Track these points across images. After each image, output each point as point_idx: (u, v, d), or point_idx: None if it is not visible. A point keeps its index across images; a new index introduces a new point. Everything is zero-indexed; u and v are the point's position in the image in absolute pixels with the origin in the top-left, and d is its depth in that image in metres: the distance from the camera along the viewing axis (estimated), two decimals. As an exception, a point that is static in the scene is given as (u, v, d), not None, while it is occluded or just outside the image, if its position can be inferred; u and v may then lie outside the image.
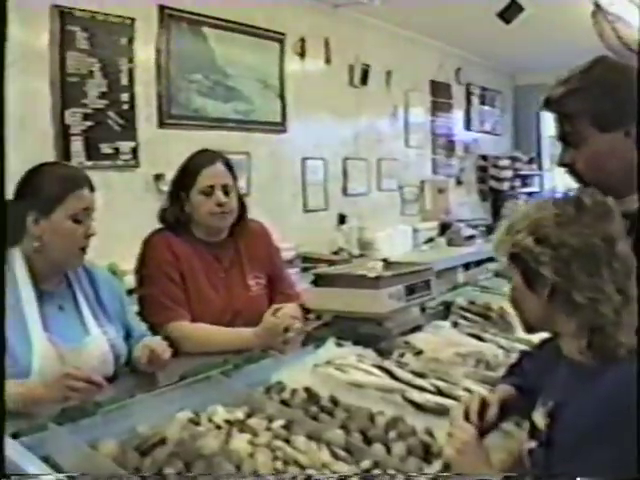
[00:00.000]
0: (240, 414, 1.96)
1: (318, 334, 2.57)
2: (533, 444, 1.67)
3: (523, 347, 2.59)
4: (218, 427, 1.89)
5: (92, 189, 2.24)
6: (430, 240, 7.65)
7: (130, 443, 1.76)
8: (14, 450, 1.58)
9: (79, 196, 2.17)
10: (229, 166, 2.74)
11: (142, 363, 2.22)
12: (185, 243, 2.70)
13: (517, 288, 1.67)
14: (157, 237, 2.71)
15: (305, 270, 5.13)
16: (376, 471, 1.74)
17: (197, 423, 1.90)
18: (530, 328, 1.73)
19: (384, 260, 3.03)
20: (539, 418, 1.66)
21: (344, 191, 6.79)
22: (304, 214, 6.25)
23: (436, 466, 1.76)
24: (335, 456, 1.79)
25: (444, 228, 7.98)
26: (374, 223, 6.82)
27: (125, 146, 4.63)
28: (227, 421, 1.91)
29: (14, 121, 3.91)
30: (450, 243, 7.73)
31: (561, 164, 1.98)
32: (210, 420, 1.93)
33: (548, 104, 1.94)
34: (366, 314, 2.64)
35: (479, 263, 7.17)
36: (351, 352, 2.45)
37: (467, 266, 7.20)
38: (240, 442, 1.79)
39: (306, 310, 2.75)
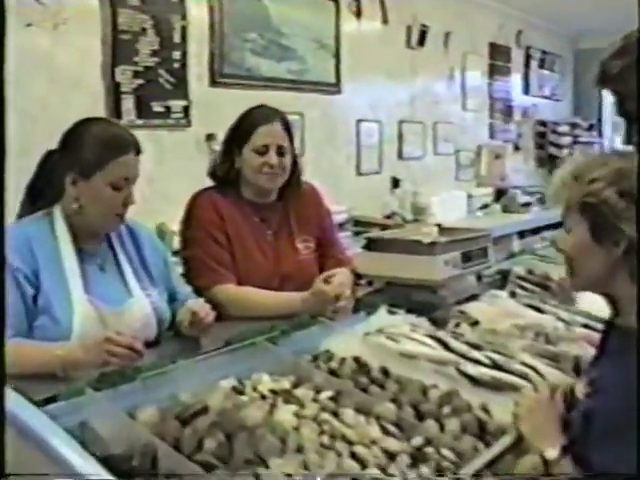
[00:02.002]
0: (286, 383, 1.86)
1: (370, 301, 2.45)
2: (574, 413, 1.55)
3: (584, 320, 2.44)
4: (263, 397, 1.79)
5: (138, 152, 2.11)
6: (485, 206, 7.44)
7: (170, 411, 1.67)
8: (38, 421, 1.47)
9: (121, 163, 2.05)
10: (287, 125, 2.59)
11: (184, 327, 2.13)
12: (232, 204, 2.59)
13: (581, 241, 1.52)
14: (202, 197, 2.59)
15: (357, 234, 5.00)
16: (428, 449, 1.62)
17: (241, 392, 1.81)
18: (583, 287, 1.60)
19: (439, 226, 2.88)
20: (580, 387, 1.56)
21: (399, 154, 6.62)
22: (357, 177, 6.10)
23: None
24: (385, 431, 1.67)
25: (499, 194, 7.74)
26: (428, 188, 6.63)
27: (176, 105, 4.53)
28: (272, 391, 1.81)
29: (66, 79, 3.84)
30: (505, 210, 7.50)
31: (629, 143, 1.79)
32: (254, 389, 1.83)
33: (605, 81, 1.75)
34: (420, 281, 2.51)
35: (535, 231, 6.96)
36: (404, 321, 2.33)
37: (522, 234, 6.98)
38: (285, 414, 1.68)
39: (357, 275, 2.62)
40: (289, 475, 1.41)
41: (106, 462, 1.45)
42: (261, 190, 2.61)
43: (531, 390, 1.64)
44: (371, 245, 2.63)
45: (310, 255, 2.67)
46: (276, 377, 1.90)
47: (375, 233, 2.93)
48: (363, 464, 1.55)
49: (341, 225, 5.17)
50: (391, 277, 2.58)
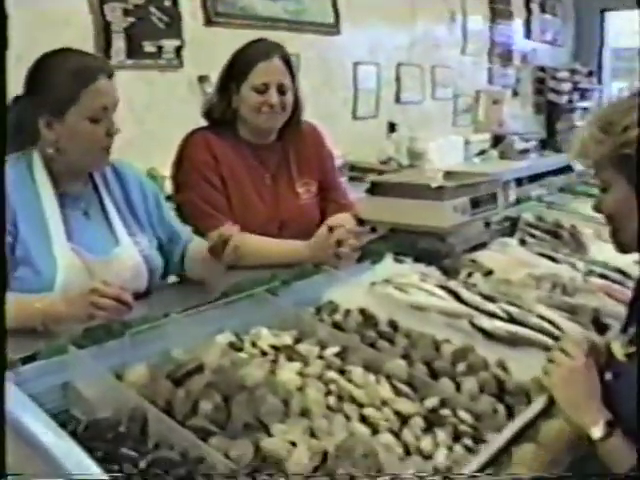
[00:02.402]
0: (288, 338, 1.69)
1: (374, 249, 2.27)
2: (609, 376, 1.41)
3: (601, 270, 2.28)
4: (263, 353, 1.63)
5: (110, 75, 1.88)
6: (482, 152, 7.22)
7: (162, 370, 1.51)
8: (15, 400, 1.27)
9: (94, 91, 1.82)
10: (287, 61, 2.38)
11: (204, 258, 1.98)
12: (227, 144, 2.38)
13: (622, 197, 1.35)
14: (195, 137, 2.38)
15: (352, 179, 4.81)
16: (444, 411, 1.46)
17: (239, 348, 1.64)
18: (630, 247, 1.43)
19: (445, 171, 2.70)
20: (617, 347, 1.42)
21: (396, 99, 6.38)
22: (353, 121, 5.88)
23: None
24: (396, 392, 1.51)
25: (497, 141, 7.52)
26: (425, 133, 6.41)
27: (169, 45, 4.28)
28: (273, 346, 1.64)
29: (54, 18, 3.60)
30: (503, 156, 7.28)
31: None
32: (254, 345, 1.66)
33: None
34: (427, 228, 2.34)
35: (532, 179, 6.77)
36: (412, 270, 2.16)
37: (519, 182, 6.79)
38: (288, 372, 1.52)
39: (360, 221, 2.44)
40: (293, 443, 1.24)
41: (91, 428, 1.30)
42: (260, 130, 2.41)
43: (559, 351, 1.45)
44: (374, 189, 2.45)
45: (311, 200, 2.48)
46: (276, 331, 1.74)
47: (380, 176, 2.74)
48: (374, 428, 1.39)
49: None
50: (396, 223, 2.40)
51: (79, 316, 1.59)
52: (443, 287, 1.99)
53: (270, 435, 1.28)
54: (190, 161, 2.33)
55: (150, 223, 2.06)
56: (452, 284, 2.02)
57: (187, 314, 1.68)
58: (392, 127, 6.27)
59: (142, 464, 1.16)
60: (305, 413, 1.38)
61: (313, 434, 1.30)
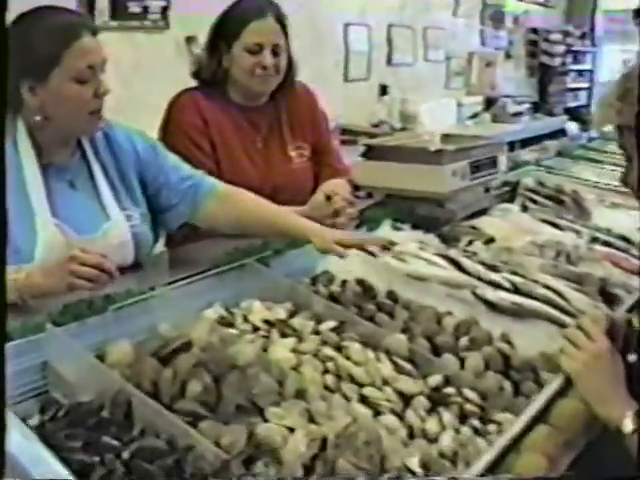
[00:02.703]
0: (282, 312, 1.59)
1: (371, 215, 2.16)
2: (632, 357, 1.33)
3: (605, 237, 2.18)
4: (255, 329, 1.52)
5: (94, 32, 1.72)
6: (474, 115, 7.09)
7: (148, 347, 1.40)
8: None
9: (78, 50, 1.66)
10: (281, 20, 2.24)
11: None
12: (217, 106, 2.25)
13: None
14: (184, 98, 2.25)
15: (344, 143, 4.67)
16: (449, 389, 1.36)
17: (230, 323, 1.53)
18: None
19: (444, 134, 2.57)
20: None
21: (388, 61, 6.22)
22: (344, 84, 5.73)
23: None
24: (398, 369, 1.41)
25: (489, 104, 7.39)
26: (417, 96, 6.27)
27: (155, 5, 4.12)
28: (266, 321, 1.53)
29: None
30: (495, 119, 7.16)
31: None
32: (245, 319, 1.55)
33: None
34: (425, 193, 2.22)
35: (524, 143, 6.64)
36: (410, 237, 2.04)
37: (512, 145, 6.66)
38: (282, 349, 1.42)
39: (354, 187, 2.33)
40: (290, 429, 1.14)
41: (72, 413, 1.19)
42: (252, 93, 2.27)
43: (577, 330, 1.35)
44: (370, 153, 2.32)
45: (304, 164, 2.35)
46: (270, 304, 1.63)
47: (375, 140, 2.61)
48: (375, 410, 1.29)
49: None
50: (393, 189, 2.29)
51: (58, 287, 1.47)
52: (443, 256, 1.88)
53: (265, 419, 1.18)
54: (178, 124, 2.20)
55: (147, 191, 1.91)
56: (452, 252, 1.92)
57: (174, 287, 1.57)
58: (384, 90, 6.13)
59: (125, 454, 1.05)
60: (301, 394, 1.28)
61: (311, 418, 1.19)
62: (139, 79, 3.93)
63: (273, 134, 2.32)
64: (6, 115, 0.99)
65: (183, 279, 1.61)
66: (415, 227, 2.13)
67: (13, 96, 1.65)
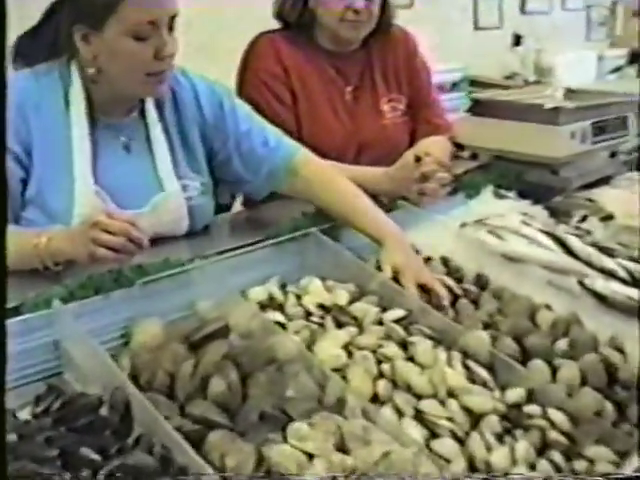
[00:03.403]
0: (344, 294, 1.34)
1: (471, 180, 1.86)
2: None
3: None
4: (308, 314, 1.28)
5: None
6: (617, 69, 6.45)
7: (181, 329, 1.20)
8: None
9: (137, 2, 1.38)
10: None
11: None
12: (301, 52, 1.98)
13: None
14: (262, 42, 1.99)
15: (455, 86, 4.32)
16: (531, 408, 1.08)
17: (280, 306, 1.30)
18: None
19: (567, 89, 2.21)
20: None
21: (522, 8, 5.73)
22: (474, 32, 5.32)
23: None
24: (471, 377, 1.14)
25: (635, 57, 6.71)
26: (554, 46, 5.75)
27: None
28: (321, 306, 1.29)
29: None
30: (641, 75, 6.51)
31: None
32: (298, 300, 1.31)
33: None
34: (537, 157, 1.90)
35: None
36: (514, 208, 1.75)
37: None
38: (331, 344, 1.17)
39: (458, 146, 2.02)
40: (310, 455, 0.90)
41: (68, 407, 1.00)
42: (340, 40, 1.99)
43: None
44: (478, 109, 2.01)
45: (398, 119, 2.05)
46: (332, 283, 1.38)
47: (483, 94, 2.28)
48: (432, 431, 1.03)
49: (454, 85, 4.50)
50: (501, 150, 1.97)
51: (81, 255, 1.28)
52: (549, 233, 1.58)
53: (284, 437, 0.94)
54: (254, 72, 1.95)
55: (213, 158, 1.64)
56: (561, 229, 1.61)
57: (222, 258, 1.34)
58: (517, 39, 5.67)
59: (101, 474, 0.85)
60: (342, 404, 1.03)
61: (342, 439, 0.94)
62: (202, 20, 3.42)
63: (364, 84, 2.03)
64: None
65: (234, 249, 1.39)
66: (522, 196, 1.82)
67: (66, 42, 1.45)
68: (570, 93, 2.15)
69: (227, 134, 1.59)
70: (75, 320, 1.14)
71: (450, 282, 1.40)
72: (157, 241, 1.47)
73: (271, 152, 1.59)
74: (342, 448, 0.93)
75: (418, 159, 1.67)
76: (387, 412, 1.04)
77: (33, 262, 1.29)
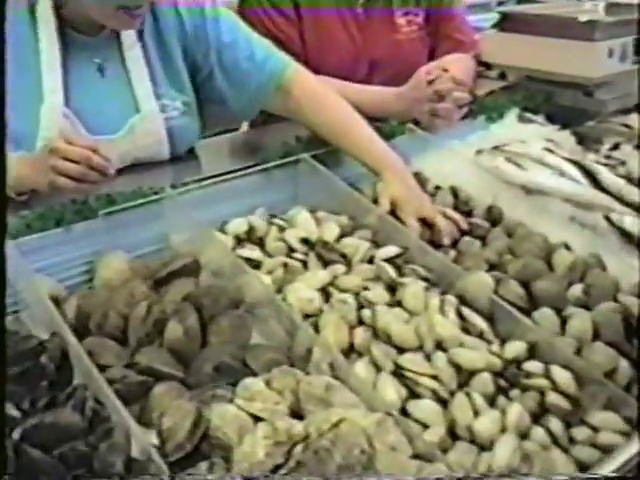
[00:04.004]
0: (333, 227, 1.19)
1: (495, 102, 1.68)
2: None
3: None
4: (291, 250, 1.15)
5: None
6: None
7: (151, 265, 1.08)
8: None
9: None
10: None
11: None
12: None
13: None
14: None
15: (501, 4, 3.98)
16: (532, 364, 0.94)
17: (259, 240, 1.17)
18: None
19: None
20: None
21: None
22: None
23: None
24: (466, 327, 1.00)
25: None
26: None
27: None
28: (305, 241, 1.15)
29: None
30: None
31: None
32: (281, 233, 1.18)
33: None
34: (570, 77, 1.70)
35: None
36: (539, 134, 1.57)
37: None
38: (305, 287, 1.03)
39: (484, 65, 1.83)
40: (257, 418, 0.77)
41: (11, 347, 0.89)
42: None
43: None
44: (507, 24, 1.80)
45: (414, 34, 1.83)
46: (324, 214, 1.24)
47: (513, 7, 2.06)
48: (412, 390, 0.89)
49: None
50: (530, 69, 1.78)
51: (40, 184, 1.15)
52: (575, 162, 1.41)
53: (234, 396, 0.82)
54: None
55: (196, 75, 1.47)
56: (590, 159, 1.43)
57: (197, 187, 1.21)
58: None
59: (16, 433, 0.74)
60: (309, 355, 0.90)
61: (297, 401, 0.81)
62: None
63: (376, -4, 1.82)
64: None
65: (216, 176, 1.25)
66: (550, 120, 1.64)
67: None
68: (613, 7, 1.91)
69: (208, 45, 1.41)
70: (25, 256, 1.02)
71: (455, 215, 1.25)
72: (137, 168, 1.35)
73: (257, 67, 1.41)
74: (297, 411, 0.80)
75: (431, 77, 1.50)
76: (361, 367, 0.91)
77: None
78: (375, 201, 1.25)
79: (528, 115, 1.66)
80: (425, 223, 1.21)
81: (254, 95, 1.43)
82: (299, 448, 0.69)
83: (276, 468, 0.70)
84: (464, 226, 1.23)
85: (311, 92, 1.41)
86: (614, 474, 0.74)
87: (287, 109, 1.43)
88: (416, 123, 1.53)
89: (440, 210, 1.24)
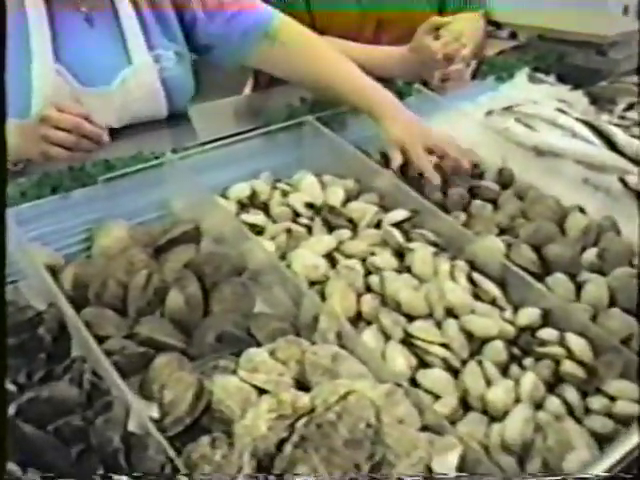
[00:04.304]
0: (339, 192, 1.15)
1: (504, 62, 1.63)
2: None
3: None
4: (296, 214, 1.11)
5: None
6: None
7: (146, 232, 1.04)
8: None
9: None
10: None
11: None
12: None
13: None
14: None
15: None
16: (546, 332, 0.90)
17: (263, 204, 1.13)
18: None
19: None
20: None
21: None
22: None
23: None
24: (477, 293, 0.96)
25: None
26: None
27: None
28: (310, 206, 1.11)
29: None
30: None
31: None
32: (285, 198, 1.14)
33: None
34: (583, 35, 1.64)
35: None
36: (550, 94, 1.52)
37: None
38: (310, 253, 1.00)
39: (493, 24, 1.77)
40: (263, 390, 0.74)
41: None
42: None
43: None
44: (518, -20, 1.74)
45: None
46: (330, 178, 1.20)
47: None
48: (422, 360, 0.86)
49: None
50: (542, 28, 1.72)
51: (33, 153, 1.11)
52: (588, 123, 1.35)
53: (237, 367, 0.79)
54: None
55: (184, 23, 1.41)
56: (603, 120, 1.38)
57: (199, 151, 1.16)
58: None
59: (11, 408, 0.70)
60: (315, 324, 0.86)
61: (303, 372, 0.78)
62: None
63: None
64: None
65: (218, 140, 1.20)
66: (562, 80, 1.58)
67: None
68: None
69: None
70: (21, 225, 0.99)
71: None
72: (136, 132, 1.30)
73: (243, 13, 1.36)
74: (303, 382, 0.77)
75: (436, 34, 1.44)
76: (369, 336, 0.87)
77: None
78: (382, 163, 1.20)
79: (539, 75, 1.60)
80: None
81: (239, 41, 1.36)
82: (304, 421, 0.66)
83: (280, 442, 0.67)
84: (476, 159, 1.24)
85: (297, 38, 1.36)
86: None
87: (273, 58, 1.37)
88: (424, 83, 1.47)
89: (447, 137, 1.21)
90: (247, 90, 1.84)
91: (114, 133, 1.20)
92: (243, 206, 1.13)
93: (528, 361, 0.88)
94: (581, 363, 0.86)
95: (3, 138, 0.75)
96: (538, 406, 0.81)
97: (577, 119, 1.37)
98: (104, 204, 1.08)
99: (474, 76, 1.52)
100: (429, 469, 0.70)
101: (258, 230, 1.05)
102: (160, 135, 1.31)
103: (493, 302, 0.95)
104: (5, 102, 0.76)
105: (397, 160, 1.17)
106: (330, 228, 1.08)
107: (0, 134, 0.69)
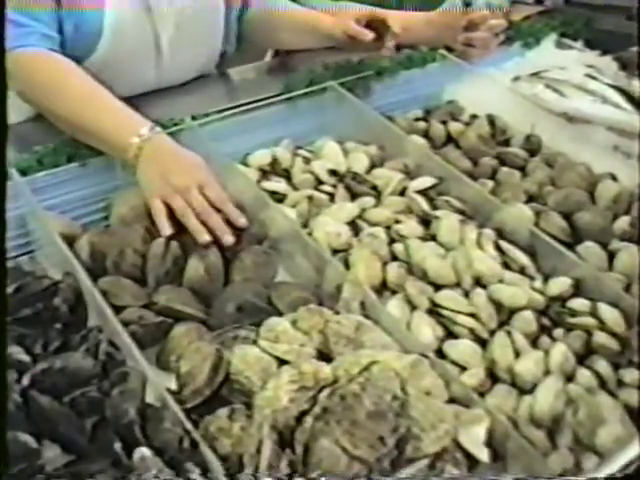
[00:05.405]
0: (363, 158, 1.11)
1: (531, 27, 1.56)
2: None
3: None
4: (318, 182, 1.06)
5: None
6: None
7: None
8: None
9: None
10: None
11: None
12: None
13: None
14: None
15: None
16: (578, 302, 0.86)
17: (284, 171, 1.09)
18: None
19: None
20: None
21: None
22: None
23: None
24: (506, 262, 0.92)
25: None
26: None
27: None
28: (333, 172, 1.07)
29: None
30: None
31: None
32: (307, 165, 1.09)
33: None
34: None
35: None
36: (578, 60, 1.45)
37: None
38: (332, 220, 0.95)
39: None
40: (283, 361, 0.71)
41: (22, 291, 0.83)
42: None
43: None
44: (545, -57, 1.66)
45: None
46: (353, 145, 1.16)
47: None
48: (448, 330, 0.82)
49: None
50: (570, -8, 1.64)
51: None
52: (619, 89, 1.29)
53: (258, 338, 0.75)
54: None
55: None
56: (634, 85, 1.31)
57: (218, 118, 1.12)
58: None
59: (25, 379, 0.67)
60: (338, 293, 0.82)
61: (326, 343, 0.74)
62: None
63: None
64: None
65: (238, 107, 1.16)
66: (590, 45, 1.51)
67: None
68: None
69: None
70: (37, 193, 0.95)
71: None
72: (155, 97, 1.26)
73: None
74: (325, 353, 0.73)
75: (468, 4, 1.38)
76: (394, 305, 0.83)
77: None
78: (408, 131, 1.16)
79: (566, 41, 1.53)
80: None
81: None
82: (326, 393, 0.62)
83: (301, 415, 0.63)
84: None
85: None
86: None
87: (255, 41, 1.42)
88: (449, 50, 1.42)
89: None
90: (268, 56, 1.79)
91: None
92: (264, 173, 1.08)
93: (558, 332, 0.83)
94: (614, 334, 0.82)
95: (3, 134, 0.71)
96: (569, 379, 0.77)
97: (608, 84, 1.31)
98: (121, 173, 1.04)
99: (500, 42, 1.45)
100: (456, 443, 0.67)
101: (279, 198, 1.01)
102: (178, 101, 1.27)
103: (522, 271, 0.91)
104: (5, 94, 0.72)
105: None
106: (353, 195, 1.03)
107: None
